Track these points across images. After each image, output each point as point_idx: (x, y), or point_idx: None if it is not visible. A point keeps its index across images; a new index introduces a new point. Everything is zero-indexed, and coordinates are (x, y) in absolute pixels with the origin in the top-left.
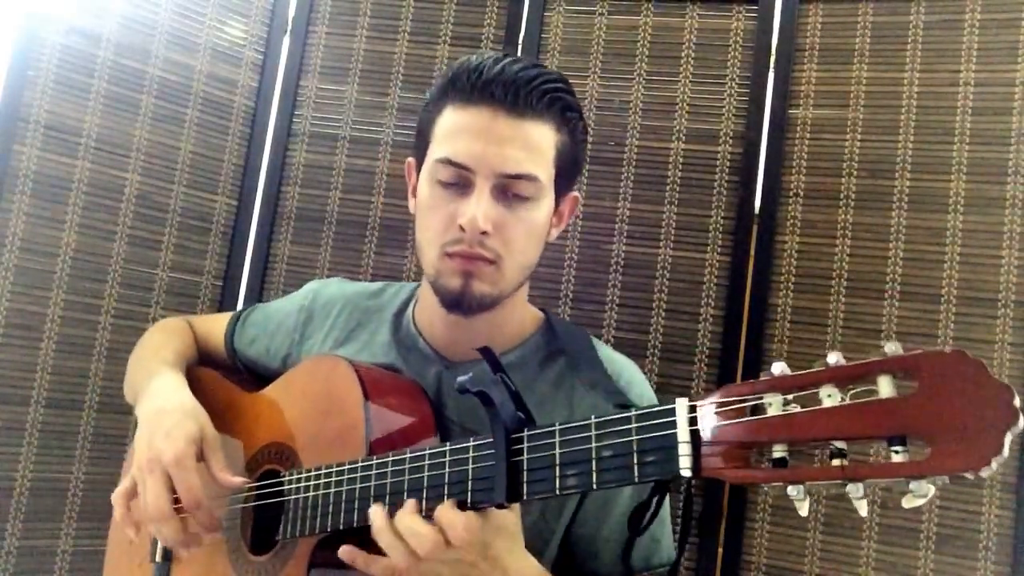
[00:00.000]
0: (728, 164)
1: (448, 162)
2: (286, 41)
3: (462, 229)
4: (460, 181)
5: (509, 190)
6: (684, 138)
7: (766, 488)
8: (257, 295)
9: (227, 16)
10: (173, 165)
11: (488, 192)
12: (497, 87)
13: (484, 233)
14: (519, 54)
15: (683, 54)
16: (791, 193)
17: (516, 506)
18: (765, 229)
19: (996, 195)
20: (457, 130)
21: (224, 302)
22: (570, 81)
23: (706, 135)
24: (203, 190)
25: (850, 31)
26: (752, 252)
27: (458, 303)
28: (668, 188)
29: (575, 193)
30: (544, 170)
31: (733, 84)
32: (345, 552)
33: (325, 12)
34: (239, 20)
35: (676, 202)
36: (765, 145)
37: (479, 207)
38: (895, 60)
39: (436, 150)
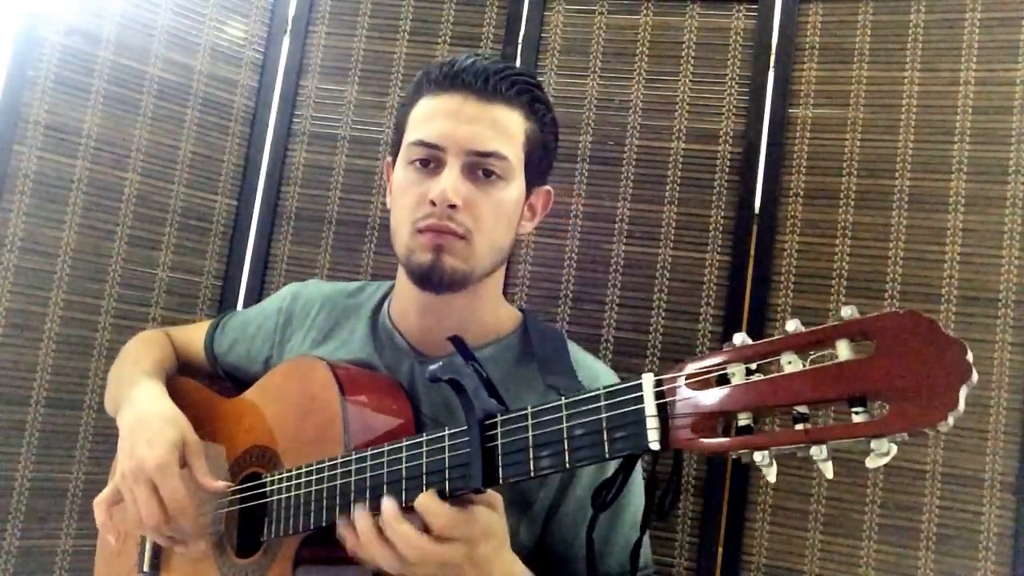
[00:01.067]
0: (728, 164)
1: (420, 143)
2: (286, 41)
3: (433, 204)
4: (432, 161)
5: (479, 168)
6: (684, 138)
7: (733, 454)
8: (257, 295)
9: (227, 16)
10: (173, 165)
11: (458, 169)
12: (468, 75)
13: (453, 207)
14: (519, 54)
15: (683, 53)
16: (791, 193)
17: (501, 508)
18: (765, 229)
19: (996, 194)
20: (429, 115)
21: (224, 302)
22: (569, 81)
23: (706, 135)
24: (203, 190)
25: (850, 30)
26: (752, 252)
27: (428, 277)
28: (668, 188)
29: (548, 187)
30: (513, 151)
31: (733, 84)
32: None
33: (325, 12)
34: (239, 20)
35: (676, 202)
36: (765, 145)
37: (449, 181)
38: (895, 59)
39: (409, 136)
